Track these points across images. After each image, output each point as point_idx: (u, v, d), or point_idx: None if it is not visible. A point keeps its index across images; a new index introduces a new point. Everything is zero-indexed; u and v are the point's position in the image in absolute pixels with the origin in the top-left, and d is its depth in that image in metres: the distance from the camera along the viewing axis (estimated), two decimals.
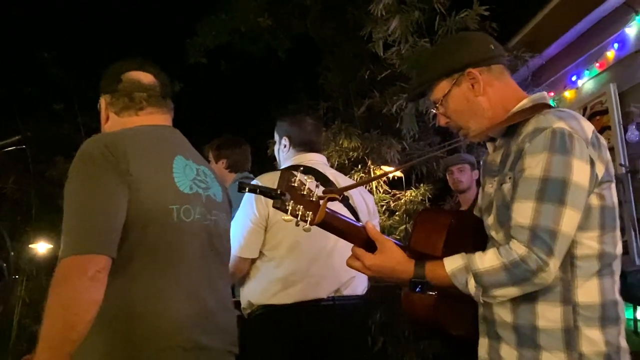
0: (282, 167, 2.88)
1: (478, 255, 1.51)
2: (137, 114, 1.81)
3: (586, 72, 4.18)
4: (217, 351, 1.74)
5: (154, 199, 1.64)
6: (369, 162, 5.91)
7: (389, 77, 5.58)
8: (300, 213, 1.43)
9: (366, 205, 2.88)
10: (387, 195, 5.98)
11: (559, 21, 4.31)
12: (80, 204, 1.55)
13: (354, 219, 2.80)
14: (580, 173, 1.46)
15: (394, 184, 6.23)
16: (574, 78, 4.34)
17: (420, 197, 5.80)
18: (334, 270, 2.64)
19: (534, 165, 1.47)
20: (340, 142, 5.71)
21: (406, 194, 5.91)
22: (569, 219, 1.45)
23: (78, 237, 1.51)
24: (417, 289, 1.54)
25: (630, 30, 3.72)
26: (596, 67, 4.05)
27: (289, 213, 1.43)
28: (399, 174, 5.87)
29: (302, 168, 1.55)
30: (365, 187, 3.48)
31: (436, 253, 1.58)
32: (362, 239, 1.57)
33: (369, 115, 6.44)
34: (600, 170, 1.51)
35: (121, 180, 1.58)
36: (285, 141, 2.84)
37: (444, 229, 1.64)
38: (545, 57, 4.69)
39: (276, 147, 2.94)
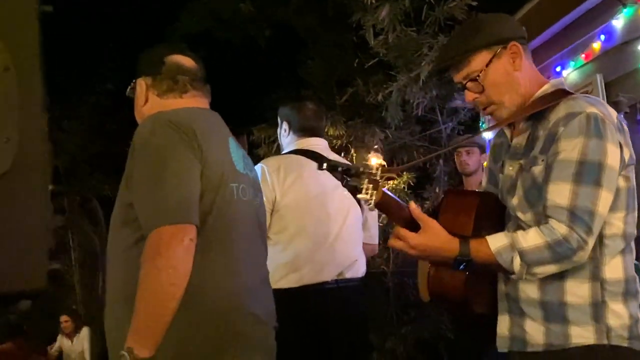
0: (285, 151, 2.90)
1: (521, 234, 1.56)
2: (182, 96, 1.83)
3: (571, 62, 4.27)
4: (269, 326, 1.83)
5: (219, 176, 1.70)
6: (352, 150, 5.96)
7: (373, 65, 5.63)
8: (369, 192, 1.46)
9: None
10: None
11: (546, 13, 4.38)
12: (166, 175, 1.58)
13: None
14: (613, 156, 1.53)
15: None
16: (558, 69, 4.42)
17: (402, 185, 5.87)
18: (337, 256, 2.68)
19: (570, 148, 1.53)
20: (326, 130, 5.72)
21: (388, 182, 5.97)
22: (605, 200, 1.52)
23: (170, 208, 1.54)
24: (461, 267, 1.58)
25: (617, 23, 3.81)
26: (581, 58, 4.13)
27: (363, 192, 1.46)
28: (382, 162, 5.91)
29: (375, 146, 1.60)
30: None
31: (466, 233, 1.62)
32: (404, 219, 1.60)
33: (350, 104, 6.47)
34: (626, 153, 1.59)
35: (195, 155, 1.63)
36: (285, 125, 2.87)
37: (473, 209, 1.68)
38: (530, 48, 4.76)
39: (279, 132, 2.96)
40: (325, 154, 2.81)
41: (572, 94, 1.68)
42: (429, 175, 6.44)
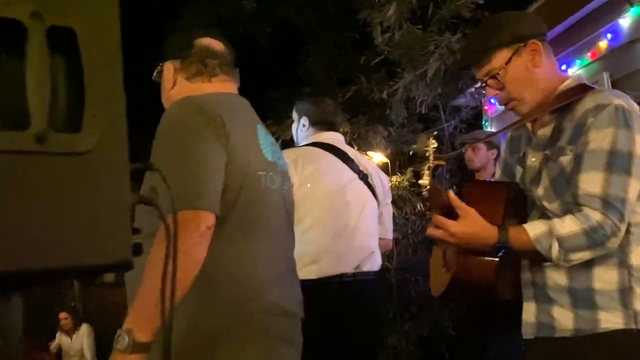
0: (300, 145, 2.92)
1: (557, 221, 1.60)
2: (210, 80, 1.78)
3: (577, 61, 4.32)
4: (296, 317, 1.77)
5: (246, 164, 1.65)
6: (356, 147, 5.99)
7: (375, 63, 5.66)
8: (428, 179, 1.50)
9: (381, 185, 2.96)
10: None
11: (553, 12, 4.42)
12: (189, 162, 1.54)
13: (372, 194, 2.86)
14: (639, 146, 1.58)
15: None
16: (563, 67, 4.46)
17: (406, 182, 5.91)
18: (355, 249, 2.71)
19: (601, 138, 1.58)
20: None
21: (392, 179, 6.01)
22: (634, 188, 1.58)
23: (190, 193, 1.49)
24: (500, 254, 1.62)
25: (624, 22, 3.87)
26: (588, 57, 4.19)
27: (423, 177, 1.49)
28: (384, 159, 5.96)
29: (435, 133, 1.62)
30: None
31: (496, 222, 1.66)
32: (442, 206, 1.64)
33: (353, 102, 6.51)
34: None
35: (221, 143, 1.58)
36: (304, 120, 2.89)
37: (502, 199, 1.72)
38: None
39: (294, 126, 2.98)
40: (341, 147, 2.84)
41: (594, 87, 1.73)
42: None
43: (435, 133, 1.59)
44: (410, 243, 5.82)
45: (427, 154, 1.51)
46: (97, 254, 0.82)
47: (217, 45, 1.82)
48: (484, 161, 3.83)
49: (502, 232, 1.62)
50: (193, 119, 1.59)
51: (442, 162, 1.58)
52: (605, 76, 3.99)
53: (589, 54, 4.18)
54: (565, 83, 1.76)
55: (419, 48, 4.85)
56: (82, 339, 7.50)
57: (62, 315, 7.56)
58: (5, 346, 0.86)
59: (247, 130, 1.73)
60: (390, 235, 3.07)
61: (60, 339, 7.63)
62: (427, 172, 1.52)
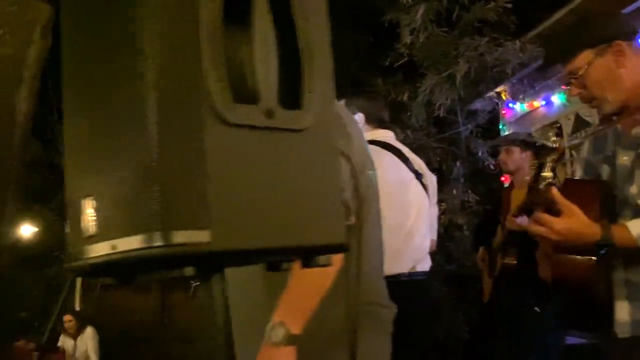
0: None
1: None
2: None
3: None
4: (394, 309, 1.78)
5: (362, 162, 1.66)
6: None
7: (392, 66, 5.66)
8: (551, 171, 1.47)
9: (432, 184, 2.95)
10: None
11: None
12: None
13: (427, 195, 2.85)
14: None
15: None
16: None
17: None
18: (413, 249, 2.69)
19: None
20: None
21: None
22: None
23: None
24: (602, 252, 1.60)
25: None
26: None
27: (546, 170, 1.47)
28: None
29: (559, 124, 1.61)
30: None
31: (592, 221, 1.64)
32: (544, 202, 1.62)
33: None
34: None
35: (345, 142, 1.57)
36: (359, 117, 2.85)
37: (597, 197, 1.71)
38: None
39: None
40: (396, 145, 2.83)
41: None
42: (445, 177, 6.49)
43: (558, 125, 1.57)
44: None
45: (553, 145, 1.49)
46: (317, 234, 0.78)
47: None
48: (518, 163, 3.79)
49: (605, 229, 1.60)
50: None
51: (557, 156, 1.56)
52: None
53: None
54: None
55: (442, 51, 4.85)
56: (86, 342, 7.37)
57: (67, 317, 7.39)
58: (211, 324, 0.84)
59: (357, 129, 1.76)
60: (435, 235, 3.06)
61: (64, 341, 7.47)
62: (550, 164, 1.50)
